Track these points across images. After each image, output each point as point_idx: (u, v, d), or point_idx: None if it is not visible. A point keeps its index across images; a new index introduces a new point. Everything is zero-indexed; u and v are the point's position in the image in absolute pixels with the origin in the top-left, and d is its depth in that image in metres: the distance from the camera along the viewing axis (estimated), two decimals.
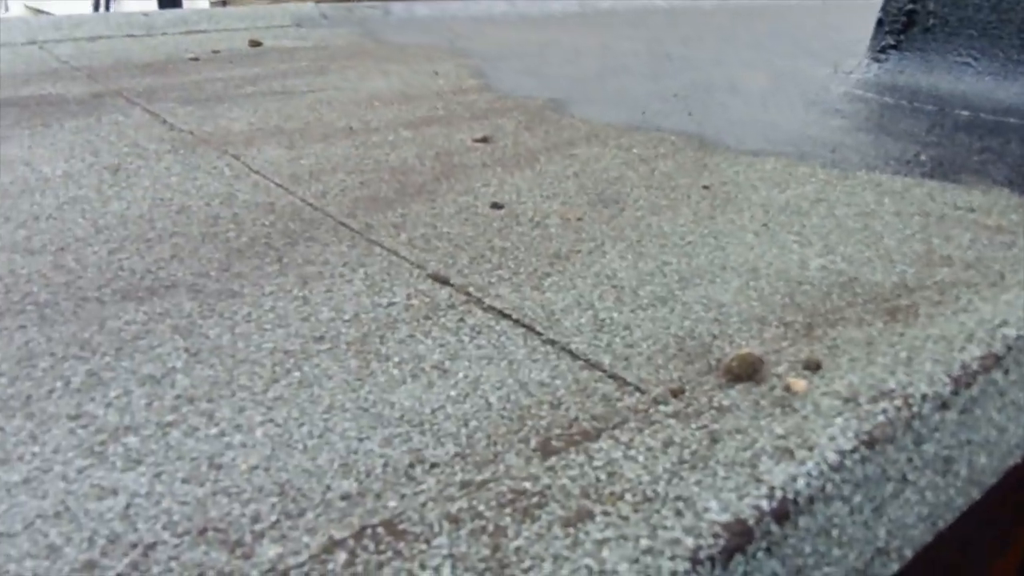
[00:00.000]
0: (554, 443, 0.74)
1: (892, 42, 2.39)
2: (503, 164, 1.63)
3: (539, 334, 0.94)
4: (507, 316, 0.99)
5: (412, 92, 2.35)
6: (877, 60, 2.41)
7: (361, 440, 0.75)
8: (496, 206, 1.37)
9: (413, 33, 3.79)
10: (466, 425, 0.77)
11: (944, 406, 0.69)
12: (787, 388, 0.78)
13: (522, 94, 2.34)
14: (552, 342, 0.92)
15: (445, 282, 1.08)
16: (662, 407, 0.78)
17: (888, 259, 1.17)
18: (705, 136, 1.87)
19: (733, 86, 2.46)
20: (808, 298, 1.04)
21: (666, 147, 1.77)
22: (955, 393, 0.70)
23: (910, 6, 2.34)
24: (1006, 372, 0.77)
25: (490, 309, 1.01)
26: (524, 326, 0.96)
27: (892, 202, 1.42)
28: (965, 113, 2.11)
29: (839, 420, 0.65)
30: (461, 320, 0.98)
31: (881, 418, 0.64)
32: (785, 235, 1.26)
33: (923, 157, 1.68)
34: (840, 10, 5.35)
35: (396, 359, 0.89)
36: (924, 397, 0.68)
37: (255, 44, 3.24)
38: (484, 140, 1.80)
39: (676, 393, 0.80)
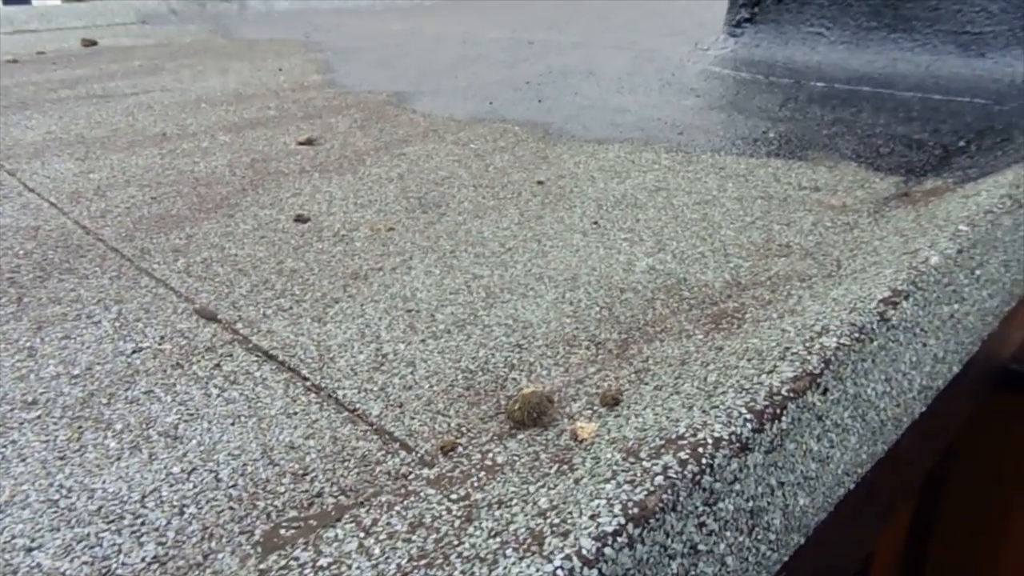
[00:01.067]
0: (283, 532, 0.58)
1: (747, 15, 2.30)
2: (323, 169, 1.46)
3: (305, 379, 0.78)
4: (273, 358, 0.82)
5: (248, 91, 2.15)
6: (733, 35, 2.32)
7: (30, 551, 0.58)
8: (300, 219, 1.20)
9: (269, 28, 3.55)
10: (181, 513, 0.61)
11: (744, 448, 0.57)
12: (574, 435, 0.64)
13: (367, 88, 2.16)
14: (318, 388, 0.76)
15: (212, 318, 0.91)
16: (426, 470, 0.63)
17: (723, 252, 1.06)
18: (552, 125, 1.73)
19: (591, 70, 2.33)
20: (629, 308, 0.91)
21: (507, 139, 1.63)
22: (758, 430, 0.58)
23: None
24: (824, 392, 0.65)
25: (255, 350, 0.84)
26: (290, 369, 0.80)
27: (735, 186, 1.31)
28: (820, 84, 2.03)
29: (608, 487, 0.51)
30: (216, 367, 0.81)
31: (660, 479, 0.51)
32: (616, 233, 1.13)
33: (771, 134, 1.59)
34: None
35: (119, 425, 0.72)
36: (718, 443, 0.55)
37: (89, 43, 2.96)
38: (309, 142, 1.62)
39: (447, 449, 0.66)
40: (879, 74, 2.05)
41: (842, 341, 0.68)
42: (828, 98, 1.91)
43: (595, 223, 1.17)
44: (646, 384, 0.72)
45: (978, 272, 0.89)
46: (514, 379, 0.77)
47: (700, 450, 0.54)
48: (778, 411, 0.59)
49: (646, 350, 0.80)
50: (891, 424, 0.74)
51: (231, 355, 0.83)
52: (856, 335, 0.69)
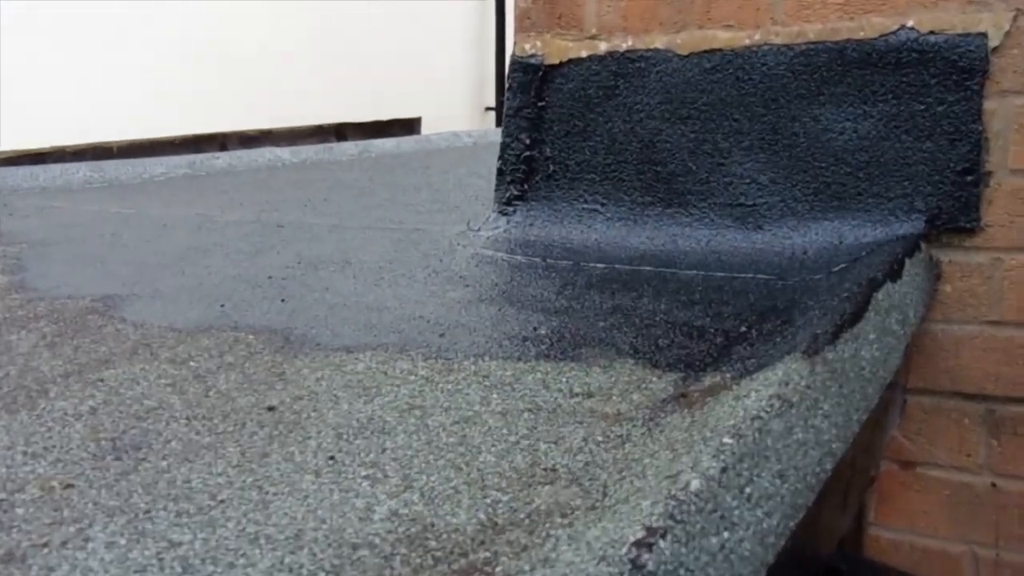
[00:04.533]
0: None
1: (517, 192, 2.48)
2: None
3: None
4: None
5: None
6: (504, 214, 2.48)
7: None
8: None
9: None
10: None
11: None
12: None
13: (67, 293, 2.09)
14: None
15: None
16: None
17: (480, 485, 1.07)
18: (293, 331, 1.74)
19: (347, 259, 2.39)
20: (362, 569, 0.89)
21: (237, 353, 1.61)
22: None
23: (527, 152, 2.46)
24: None
25: None
26: None
27: (500, 398, 1.36)
28: (600, 266, 2.19)
29: None
30: None
31: None
32: (356, 469, 1.13)
33: (543, 330, 1.67)
34: (492, 152, 5.70)
35: None
36: None
37: None
38: None
39: None
40: (660, 252, 2.24)
41: None
42: (608, 281, 2.06)
43: (331, 458, 1.16)
44: None
45: (748, 490, 0.96)
46: None
47: None
48: None
49: None
50: None
51: None
52: None
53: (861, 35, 2.08)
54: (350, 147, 5.59)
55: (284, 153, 5.12)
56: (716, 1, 2.24)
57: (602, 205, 2.38)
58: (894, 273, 1.74)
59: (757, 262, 2.12)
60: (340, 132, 7.14)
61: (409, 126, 7.81)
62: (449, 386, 1.41)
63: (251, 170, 4.82)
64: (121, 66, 7.27)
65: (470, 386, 1.41)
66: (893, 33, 2.04)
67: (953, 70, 1.98)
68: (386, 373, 1.48)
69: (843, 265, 1.98)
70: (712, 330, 1.67)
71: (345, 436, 1.23)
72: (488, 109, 11.31)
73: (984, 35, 1.94)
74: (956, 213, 1.99)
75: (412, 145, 6.07)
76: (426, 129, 8.13)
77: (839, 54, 2.10)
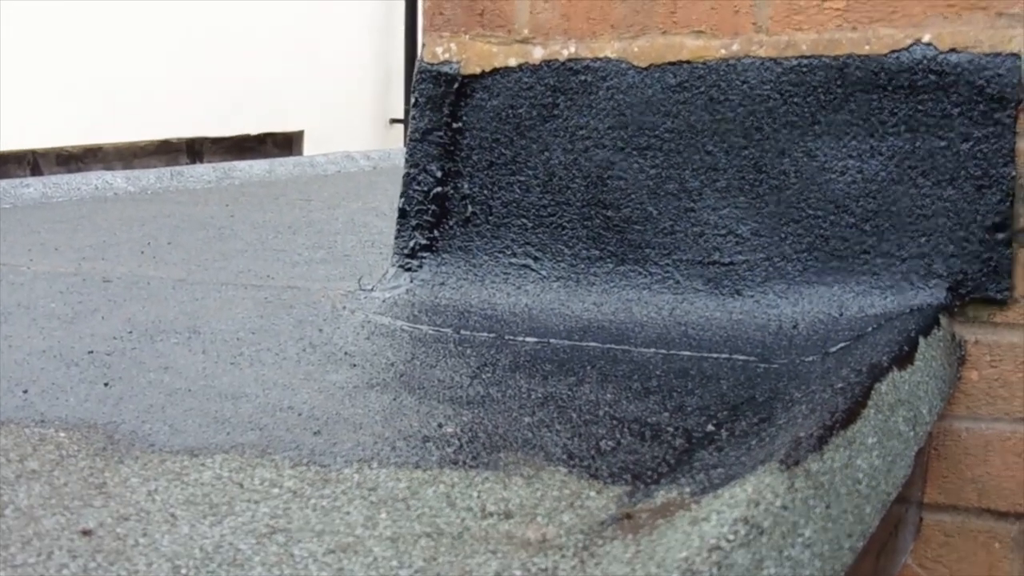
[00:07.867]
0: None
1: (424, 241, 2.55)
2: None
3: None
4: None
5: None
6: (407, 268, 2.54)
7: None
8: None
9: None
10: None
11: None
12: None
13: None
14: None
15: None
16: None
17: None
18: (120, 426, 1.77)
19: (195, 326, 2.44)
20: None
21: (43, 456, 1.64)
22: None
23: (438, 188, 2.53)
24: None
25: None
26: None
27: (389, 518, 1.41)
28: (530, 340, 2.26)
29: None
30: None
31: None
32: None
33: (450, 428, 1.73)
34: (398, 180, 5.77)
35: None
36: None
37: None
38: None
39: None
40: (609, 323, 2.33)
41: None
42: (540, 362, 2.13)
43: None
44: None
45: None
46: None
47: None
48: None
49: None
50: None
51: None
52: None
53: (866, 49, 2.19)
54: (206, 171, 5.63)
55: (117, 179, 5.15)
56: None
57: (535, 260, 2.46)
58: (903, 357, 1.83)
59: (733, 338, 2.21)
60: (194, 150, 7.17)
61: (287, 143, 7.88)
62: (324, 502, 1.46)
63: (71, 202, 4.83)
64: None
65: (351, 502, 1.46)
66: (906, 49, 2.15)
67: (980, 98, 2.11)
68: (241, 485, 1.52)
69: (843, 344, 2.08)
70: (671, 429, 1.74)
71: (184, 570, 1.26)
72: (394, 122, 11.37)
73: (1017, 56, 2.07)
74: (984, 280, 2.10)
75: (290, 169, 6.14)
76: (309, 148, 8.20)
77: (839, 72, 2.22)
